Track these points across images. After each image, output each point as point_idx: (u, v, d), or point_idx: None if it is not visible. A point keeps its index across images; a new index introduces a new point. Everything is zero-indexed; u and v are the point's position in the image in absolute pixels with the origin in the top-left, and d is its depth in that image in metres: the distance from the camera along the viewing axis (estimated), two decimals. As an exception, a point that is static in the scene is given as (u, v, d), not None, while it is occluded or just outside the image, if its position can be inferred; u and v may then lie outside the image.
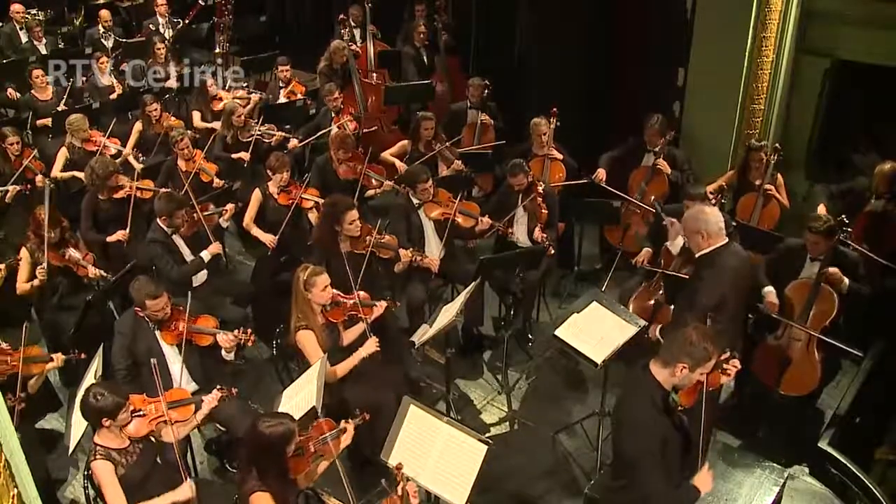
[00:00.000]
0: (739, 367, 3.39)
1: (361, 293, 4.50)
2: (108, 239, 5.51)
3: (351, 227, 4.91)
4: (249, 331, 4.33)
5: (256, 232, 5.65)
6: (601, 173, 6.03)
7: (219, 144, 6.59)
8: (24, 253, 4.97)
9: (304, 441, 3.50)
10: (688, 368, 3.09)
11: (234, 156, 6.53)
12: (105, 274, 5.12)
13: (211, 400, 3.91)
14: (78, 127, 6.36)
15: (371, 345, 4.23)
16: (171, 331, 4.25)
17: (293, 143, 6.72)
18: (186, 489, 3.56)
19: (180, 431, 3.84)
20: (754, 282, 4.47)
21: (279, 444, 3.24)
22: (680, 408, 3.19)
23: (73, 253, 5.06)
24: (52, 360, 4.29)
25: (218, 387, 3.98)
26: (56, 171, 6.34)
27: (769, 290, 4.61)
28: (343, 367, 4.21)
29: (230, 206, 5.56)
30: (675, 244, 4.77)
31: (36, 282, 4.92)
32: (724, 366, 3.36)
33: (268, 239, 5.58)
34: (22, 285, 4.96)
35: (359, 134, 6.81)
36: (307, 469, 3.50)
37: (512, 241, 5.57)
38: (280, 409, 3.78)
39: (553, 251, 5.41)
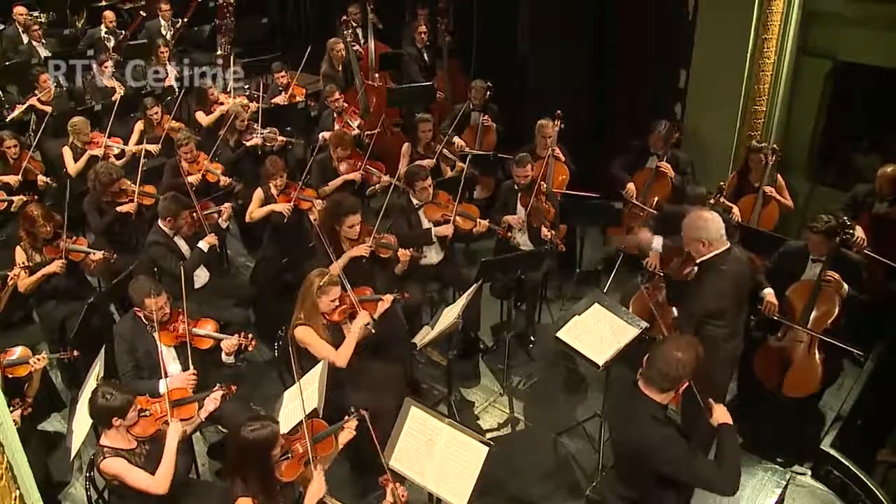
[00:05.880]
0: None
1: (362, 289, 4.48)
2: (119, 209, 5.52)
3: (350, 230, 4.90)
4: (251, 336, 4.33)
5: (265, 210, 5.57)
6: (631, 188, 5.94)
7: (225, 149, 6.55)
8: (18, 253, 4.95)
9: (290, 443, 3.49)
10: (688, 384, 3.21)
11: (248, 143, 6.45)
12: (107, 254, 5.11)
13: (214, 398, 3.91)
14: (79, 129, 6.37)
15: (364, 316, 4.14)
16: (171, 332, 4.26)
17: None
18: (177, 426, 3.59)
19: (185, 430, 3.83)
20: (754, 284, 4.46)
21: (263, 449, 3.21)
22: (672, 410, 3.32)
23: (63, 243, 5.01)
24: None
25: (218, 385, 3.98)
26: (71, 170, 6.35)
27: (768, 292, 4.60)
28: (343, 353, 4.12)
29: (227, 206, 5.52)
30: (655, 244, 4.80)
31: (49, 269, 4.91)
32: None
33: (282, 207, 5.52)
34: (23, 282, 4.91)
35: (361, 136, 6.80)
36: (299, 471, 3.47)
37: (513, 244, 5.55)
38: (282, 410, 3.78)
39: (563, 247, 5.40)
